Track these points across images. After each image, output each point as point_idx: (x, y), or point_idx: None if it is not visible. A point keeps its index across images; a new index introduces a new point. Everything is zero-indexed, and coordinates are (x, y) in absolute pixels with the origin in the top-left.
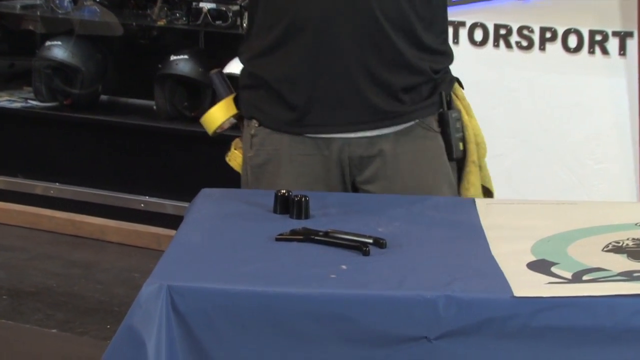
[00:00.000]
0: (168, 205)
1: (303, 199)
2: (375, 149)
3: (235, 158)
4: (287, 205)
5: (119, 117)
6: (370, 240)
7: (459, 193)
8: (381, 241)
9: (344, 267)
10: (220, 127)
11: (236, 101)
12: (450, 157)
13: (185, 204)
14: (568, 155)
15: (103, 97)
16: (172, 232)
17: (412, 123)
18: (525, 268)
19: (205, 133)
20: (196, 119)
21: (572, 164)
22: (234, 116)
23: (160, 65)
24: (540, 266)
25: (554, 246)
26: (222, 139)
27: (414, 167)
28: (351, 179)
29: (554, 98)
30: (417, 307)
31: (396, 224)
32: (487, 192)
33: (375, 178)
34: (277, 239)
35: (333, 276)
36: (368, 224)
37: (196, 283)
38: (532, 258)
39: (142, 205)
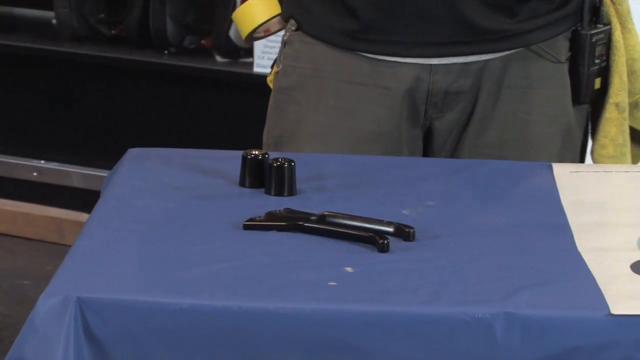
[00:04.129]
0: (75, 174)
1: (286, 164)
2: (468, 81)
3: None
4: (261, 173)
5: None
6: (391, 229)
7: (591, 152)
8: (407, 230)
9: (348, 269)
10: (260, 29)
11: None
12: (576, 100)
13: (104, 173)
14: None
15: None
16: (81, 216)
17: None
18: (629, 271)
19: (142, 62)
20: (119, 40)
21: None
22: (282, 16)
23: None
24: None
25: None
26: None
27: (519, 112)
28: (426, 126)
29: None
30: (462, 331)
31: (430, 204)
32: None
33: (462, 125)
34: (245, 227)
35: (332, 284)
36: (387, 203)
37: (119, 294)
38: None
39: (35, 174)
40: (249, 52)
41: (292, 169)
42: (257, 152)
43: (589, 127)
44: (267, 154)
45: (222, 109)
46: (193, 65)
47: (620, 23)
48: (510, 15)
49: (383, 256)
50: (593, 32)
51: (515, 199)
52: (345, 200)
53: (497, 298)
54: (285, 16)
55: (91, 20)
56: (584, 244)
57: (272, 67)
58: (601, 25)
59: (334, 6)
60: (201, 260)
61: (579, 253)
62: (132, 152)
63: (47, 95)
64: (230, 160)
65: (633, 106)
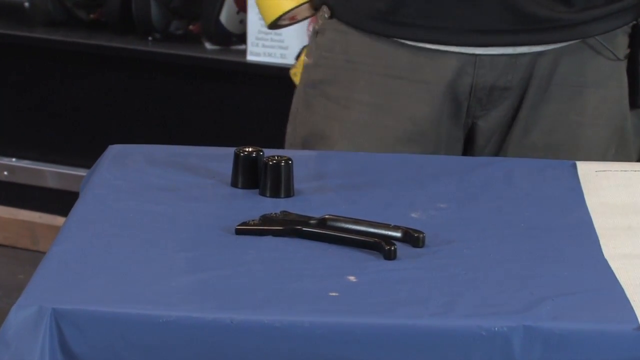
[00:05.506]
0: (49, 173)
1: (282, 163)
2: (517, 76)
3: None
4: (255, 173)
5: None
6: (398, 234)
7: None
8: (416, 235)
9: (351, 278)
10: (286, 16)
11: None
12: (632, 102)
13: (82, 172)
14: None
15: None
16: (56, 220)
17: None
18: None
19: (124, 50)
20: (99, 25)
21: None
22: (311, 4)
23: None
24: None
25: None
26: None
27: (570, 113)
28: (468, 125)
29: None
30: (477, 346)
31: (442, 206)
32: None
33: (506, 125)
34: (237, 231)
35: (333, 294)
36: (394, 205)
37: (99, 306)
38: None
39: (6, 173)
40: (242, 39)
41: (289, 168)
42: (250, 149)
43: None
44: (261, 151)
45: (212, 101)
46: (180, 52)
47: None
48: (565, 4)
49: (390, 264)
50: None
51: (535, 200)
52: (348, 202)
53: (515, 310)
54: (316, 3)
55: (68, 4)
56: (610, 250)
57: (296, 58)
58: None
59: None
60: (189, 268)
61: (605, 260)
62: (113, 149)
63: (18, 86)
64: (221, 158)
65: None
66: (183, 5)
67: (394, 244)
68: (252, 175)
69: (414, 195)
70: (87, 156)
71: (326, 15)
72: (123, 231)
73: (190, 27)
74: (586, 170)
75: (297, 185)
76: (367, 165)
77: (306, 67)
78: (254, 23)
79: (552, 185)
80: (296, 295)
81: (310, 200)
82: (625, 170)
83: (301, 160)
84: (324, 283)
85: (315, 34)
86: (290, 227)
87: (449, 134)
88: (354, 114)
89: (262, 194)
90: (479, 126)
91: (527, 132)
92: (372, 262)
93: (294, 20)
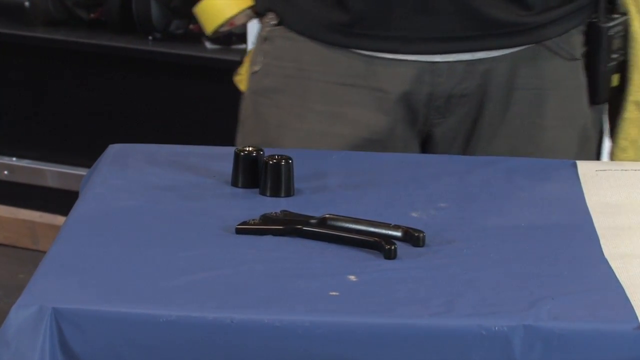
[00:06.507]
0: (49, 172)
1: (283, 162)
2: (474, 83)
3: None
4: (256, 172)
5: None
6: (399, 234)
7: (610, 156)
8: (416, 235)
9: (352, 278)
10: (226, 23)
11: None
12: (591, 99)
13: (82, 171)
14: None
15: None
16: (56, 219)
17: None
18: None
19: (124, 49)
20: (99, 24)
21: None
22: (253, 9)
23: None
24: None
25: None
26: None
27: (531, 117)
28: (424, 133)
29: None
30: (477, 346)
31: (442, 206)
32: None
33: (466, 132)
34: (237, 231)
35: (333, 294)
36: (394, 205)
37: (99, 305)
38: None
39: (6, 172)
40: (242, 39)
41: (289, 167)
42: (251, 149)
43: (605, 128)
44: (262, 150)
45: (213, 100)
46: (180, 52)
47: (639, 12)
48: (523, 7)
49: (390, 263)
50: (610, 24)
51: (535, 200)
52: (348, 201)
53: (515, 309)
54: (260, 8)
55: (68, 3)
56: (611, 249)
57: (241, 63)
58: (618, 16)
59: None
60: (189, 268)
61: (605, 260)
62: (113, 149)
63: (18, 85)
64: (221, 158)
65: None
66: (183, 4)
67: (394, 244)
68: (252, 175)
69: (414, 195)
70: (88, 155)
71: (273, 22)
72: (123, 230)
73: (191, 26)
74: (586, 169)
75: (297, 184)
76: (367, 165)
77: (254, 75)
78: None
79: (552, 185)
80: (296, 295)
81: (310, 199)
82: (626, 170)
83: (301, 160)
84: (324, 282)
85: (262, 40)
86: (291, 226)
87: (404, 142)
88: (307, 124)
89: (263, 193)
90: (436, 133)
91: (492, 138)
92: (372, 262)
93: (233, 26)
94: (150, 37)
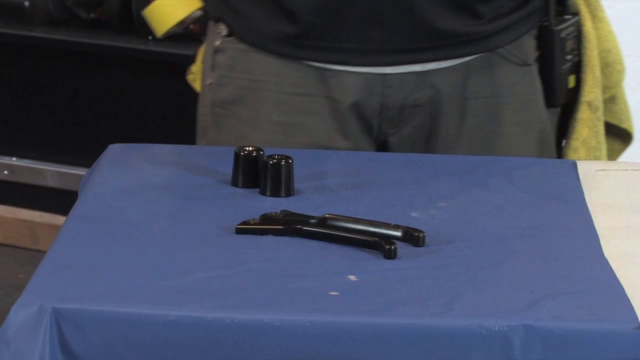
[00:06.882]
0: (49, 172)
1: (283, 162)
2: (426, 93)
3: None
4: (256, 172)
5: None
6: (399, 233)
7: (558, 156)
8: (416, 234)
9: (352, 277)
10: (177, 25)
11: None
12: (550, 102)
13: (82, 171)
14: None
15: None
16: (56, 219)
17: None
18: None
19: (124, 49)
20: (99, 24)
21: None
22: (203, 10)
23: None
24: None
25: None
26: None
27: (487, 125)
28: (381, 141)
29: None
30: (477, 345)
31: (442, 205)
32: (623, 137)
33: (422, 141)
34: (238, 231)
35: (333, 293)
36: (394, 205)
37: (99, 305)
38: None
39: (6, 172)
40: None
41: (289, 167)
42: (251, 148)
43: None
44: (262, 150)
45: None
46: (180, 52)
47: (590, 12)
48: (474, 16)
49: (390, 263)
50: (562, 26)
51: (535, 200)
52: (349, 201)
53: (515, 309)
54: (211, 16)
55: (68, 3)
56: (611, 249)
57: (190, 65)
58: (569, 16)
59: (270, 9)
60: (189, 268)
61: (605, 259)
62: (113, 149)
63: (19, 85)
64: (221, 157)
65: (609, 100)
66: None
67: (394, 243)
68: (252, 175)
69: (415, 195)
70: (87, 155)
71: (224, 33)
72: (123, 230)
73: (191, 26)
74: (586, 169)
75: (297, 184)
76: (367, 165)
77: (209, 87)
78: None
79: (552, 185)
80: (296, 295)
81: (310, 199)
82: (626, 170)
83: (301, 160)
84: (325, 282)
85: (214, 52)
86: (291, 226)
87: (361, 150)
88: (264, 134)
89: (263, 193)
90: (392, 143)
91: (449, 149)
92: (373, 262)
93: (183, 25)
94: (150, 37)
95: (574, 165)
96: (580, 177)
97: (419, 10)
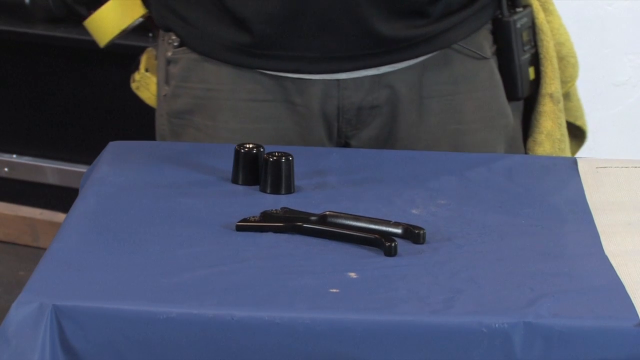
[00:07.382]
0: (49, 169)
1: (283, 159)
2: (383, 94)
3: (147, 84)
4: (256, 169)
5: None
6: (399, 231)
7: (525, 150)
8: (417, 232)
9: (352, 275)
10: (120, 34)
11: None
12: (513, 95)
13: (82, 168)
14: None
15: None
16: (57, 216)
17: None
18: None
19: (125, 46)
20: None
21: None
22: (145, 16)
23: None
24: None
25: None
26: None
27: (449, 123)
28: (341, 144)
29: None
30: (478, 343)
31: (442, 203)
32: (577, 134)
33: (382, 140)
34: (238, 228)
35: (334, 291)
36: (395, 202)
37: (99, 302)
38: None
39: (6, 169)
40: None
41: (289, 164)
42: (251, 146)
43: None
44: (262, 147)
45: None
46: None
47: (541, 5)
48: (422, 16)
49: (390, 260)
50: (515, 17)
51: (536, 197)
52: (349, 198)
53: (515, 307)
54: (159, 25)
55: (68, 0)
56: (611, 246)
57: (133, 70)
58: (521, 9)
59: (221, 18)
60: (189, 265)
61: (606, 257)
62: (113, 146)
63: (19, 82)
64: (221, 155)
65: (564, 97)
66: None
67: (395, 241)
68: (252, 172)
69: (415, 192)
70: (88, 153)
71: (175, 44)
72: (123, 227)
73: None
74: (587, 166)
75: (297, 181)
76: (367, 162)
77: (165, 98)
78: None
79: (553, 182)
80: (297, 292)
81: (310, 196)
82: (626, 167)
83: (302, 157)
84: (325, 279)
85: (166, 62)
86: (291, 223)
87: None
88: (222, 143)
89: (263, 190)
90: (353, 145)
91: (413, 147)
92: (373, 259)
93: (124, 32)
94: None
95: (574, 162)
96: (581, 174)
97: (368, 18)
